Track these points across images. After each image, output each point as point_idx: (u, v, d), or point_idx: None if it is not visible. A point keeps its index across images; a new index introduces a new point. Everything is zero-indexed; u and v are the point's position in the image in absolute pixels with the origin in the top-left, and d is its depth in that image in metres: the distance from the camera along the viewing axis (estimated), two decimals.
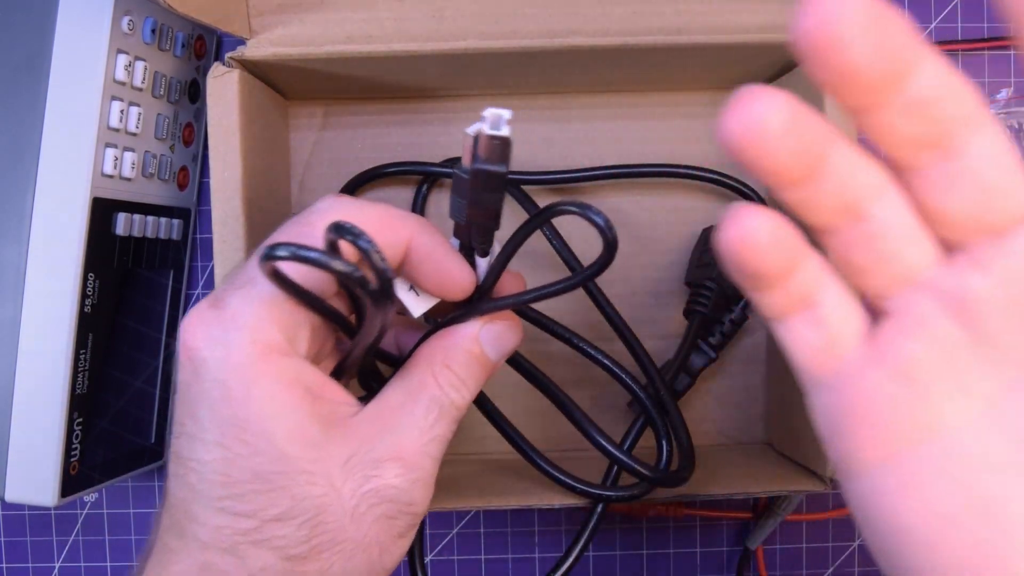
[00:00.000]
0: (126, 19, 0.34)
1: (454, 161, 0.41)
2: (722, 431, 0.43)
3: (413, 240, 0.26)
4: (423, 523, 0.34)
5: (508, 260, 0.27)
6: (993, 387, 0.19)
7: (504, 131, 0.24)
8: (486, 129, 0.24)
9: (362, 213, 0.25)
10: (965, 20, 0.43)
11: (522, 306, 0.29)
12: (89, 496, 0.43)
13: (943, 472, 0.19)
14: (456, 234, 0.28)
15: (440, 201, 0.42)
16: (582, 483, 0.34)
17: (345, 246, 0.22)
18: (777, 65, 0.38)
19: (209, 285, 0.43)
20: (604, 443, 0.33)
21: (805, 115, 0.17)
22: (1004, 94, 0.43)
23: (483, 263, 0.28)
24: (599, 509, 0.34)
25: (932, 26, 0.43)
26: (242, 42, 0.34)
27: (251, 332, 0.23)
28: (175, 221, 0.40)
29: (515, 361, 0.34)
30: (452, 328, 0.28)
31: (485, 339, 0.28)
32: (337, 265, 0.21)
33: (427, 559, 0.44)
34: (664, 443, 0.35)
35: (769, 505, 0.43)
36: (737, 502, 0.44)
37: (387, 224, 0.25)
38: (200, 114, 0.41)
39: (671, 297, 0.42)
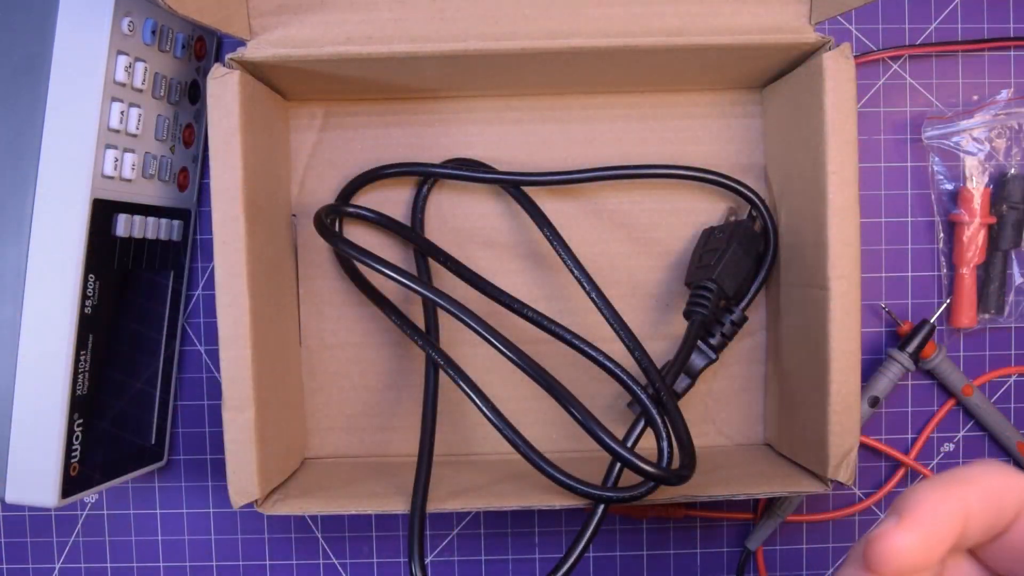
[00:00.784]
0: (126, 20, 0.34)
1: (455, 161, 0.41)
2: (722, 432, 0.43)
3: None
4: (424, 523, 0.34)
5: None
6: None
7: None
8: None
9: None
10: (965, 20, 0.43)
11: None
12: (89, 497, 0.43)
13: None
14: None
15: (440, 202, 0.42)
16: (583, 484, 0.34)
17: None
18: (776, 67, 0.38)
19: (209, 286, 0.43)
20: (608, 440, 0.33)
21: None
22: (1004, 94, 0.43)
23: None
24: (600, 510, 0.34)
25: (932, 26, 0.43)
26: (242, 43, 0.34)
27: None
28: (175, 222, 0.40)
29: (519, 359, 0.34)
30: None
31: None
32: None
33: (427, 560, 0.44)
34: (664, 443, 0.35)
35: (769, 506, 0.43)
36: (737, 503, 0.44)
37: None
38: (200, 115, 0.41)
39: (671, 298, 0.42)
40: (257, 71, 0.36)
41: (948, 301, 0.43)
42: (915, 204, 0.43)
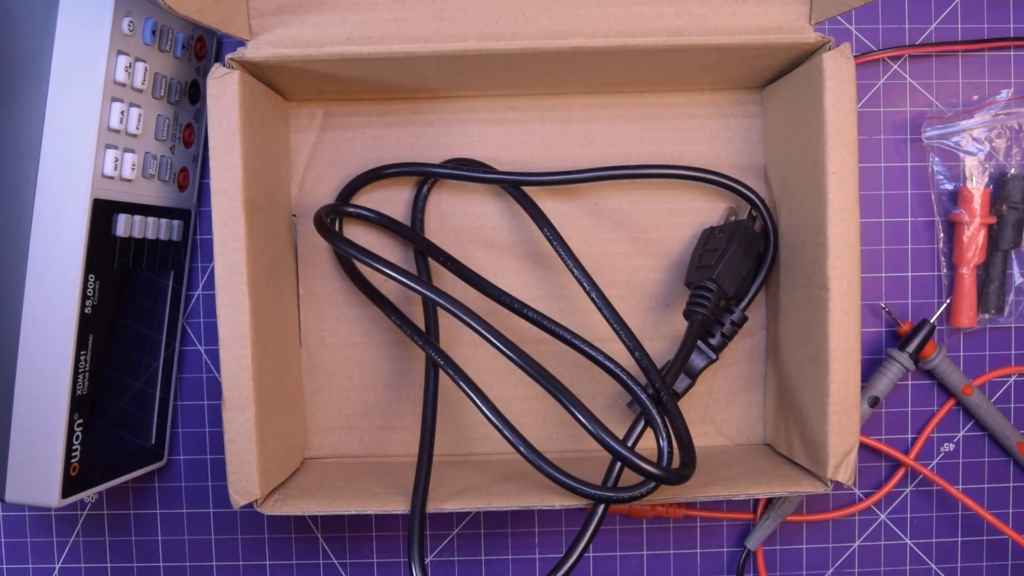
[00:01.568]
0: (126, 20, 0.34)
1: (455, 162, 0.41)
2: (722, 432, 0.43)
3: None
4: (424, 523, 0.34)
5: None
6: None
7: None
8: None
9: None
10: (965, 20, 0.43)
11: None
12: (89, 497, 0.43)
13: None
14: None
15: (440, 202, 0.42)
16: (584, 484, 0.34)
17: None
18: (776, 67, 0.38)
19: (209, 286, 0.43)
20: (608, 440, 0.33)
21: None
22: (1004, 94, 0.43)
23: None
24: (600, 510, 0.34)
25: (932, 26, 0.43)
26: (242, 43, 0.34)
27: None
28: (175, 222, 0.40)
29: (520, 358, 0.34)
30: None
31: None
32: None
33: (427, 560, 0.44)
34: (664, 443, 0.35)
35: (769, 506, 0.43)
36: (737, 503, 0.44)
37: None
38: (200, 115, 0.41)
39: (671, 298, 0.42)
40: (257, 71, 0.36)
41: (948, 301, 0.43)
42: (915, 204, 0.43)
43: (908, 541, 0.45)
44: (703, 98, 0.41)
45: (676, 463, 0.35)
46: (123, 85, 0.34)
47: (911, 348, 0.42)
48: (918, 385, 0.44)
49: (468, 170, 0.40)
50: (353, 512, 0.35)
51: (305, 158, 0.41)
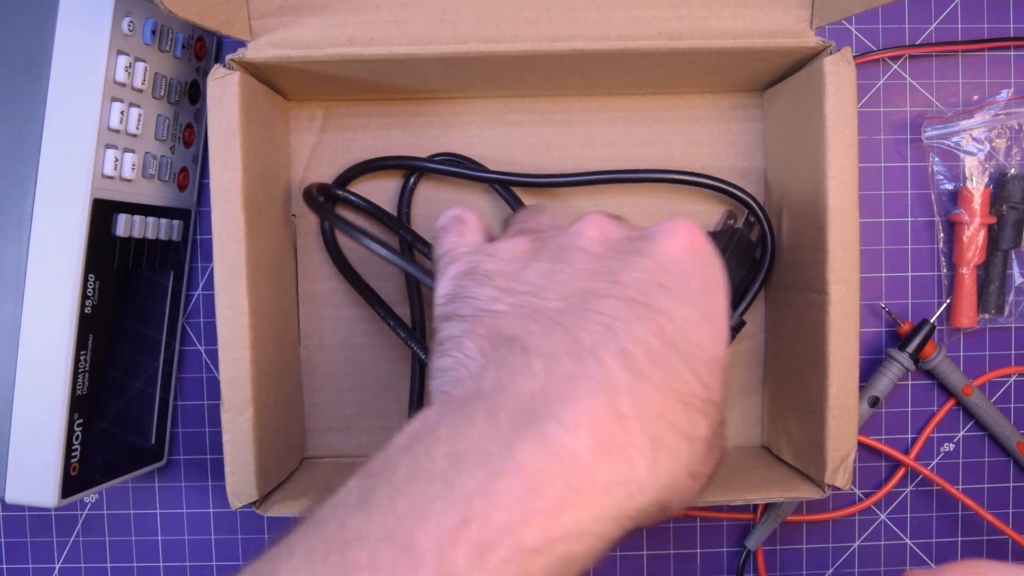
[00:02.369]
0: (126, 20, 0.34)
1: (445, 156, 0.41)
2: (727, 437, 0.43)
3: None
4: None
5: None
6: None
7: None
8: None
9: None
10: (965, 20, 0.43)
11: None
12: (89, 497, 0.43)
13: None
14: None
15: (429, 196, 0.42)
16: None
17: None
18: (777, 71, 0.38)
19: (209, 286, 0.43)
20: None
21: None
22: (1004, 94, 0.43)
23: None
24: None
25: (932, 26, 0.43)
26: (243, 43, 0.34)
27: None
28: (175, 222, 0.40)
29: None
30: None
31: None
32: None
33: None
34: None
35: (769, 506, 0.43)
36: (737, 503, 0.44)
37: None
38: (200, 115, 0.41)
39: None
40: (257, 72, 0.35)
41: (948, 301, 0.43)
42: (915, 204, 0.43)
43: (908, 541, 0.45)
44: (704, 101, 0.41)
45: None
46: (123, 85, 0.34)
47: (911, 348, 0.42)
48: (918, 385, 0.44)
49: (460, 167, 0.40)
50: None
51: (305, 159, 0.41)
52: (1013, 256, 0.43)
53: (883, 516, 0.44)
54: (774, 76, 0.39)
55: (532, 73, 0.37)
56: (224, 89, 0.33)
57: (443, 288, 0.27)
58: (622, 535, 0.22)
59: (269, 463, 0.36)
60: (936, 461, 0.44)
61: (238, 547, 0.44)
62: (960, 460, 0.44)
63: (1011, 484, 0.44)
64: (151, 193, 0.38)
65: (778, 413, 0.41)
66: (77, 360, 0.34)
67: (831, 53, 0.34)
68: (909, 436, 0.44)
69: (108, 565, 0.44)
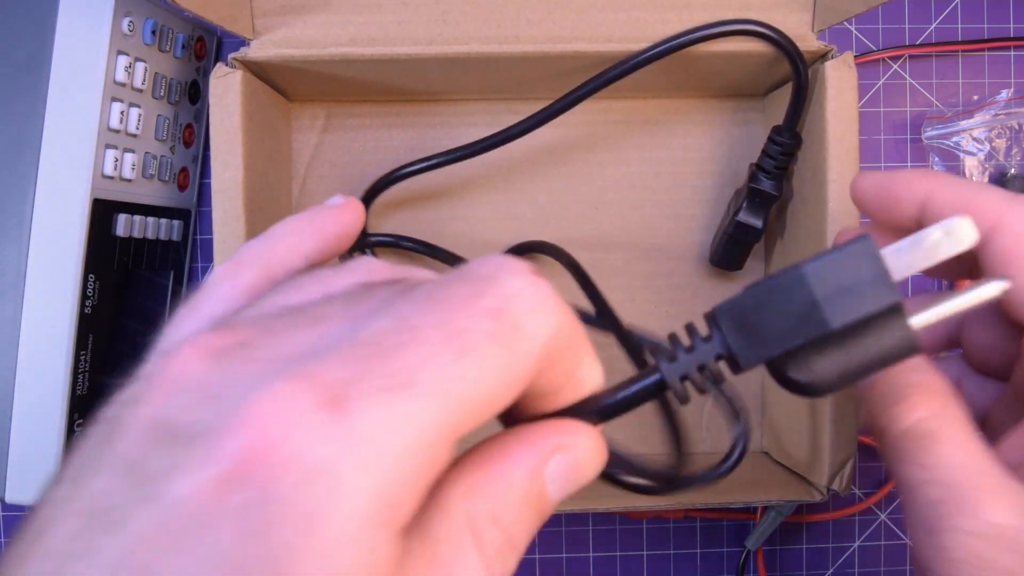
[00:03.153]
0: (126, 20, 0.34)
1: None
2: (719, 439, 0.43)
3: None
4: None
5: None
6: None
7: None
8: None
9: None
10: (965, 20, 0.43)
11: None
12: None
13: None
14: None
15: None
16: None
17: None
18: (779, 74, 0.38)
19: None
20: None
21: None
22: (1004, 94, 0.43)
23: None
24: None
25: (932, 27, 0.43)
26: (243, 44, 0.34)
27: (391, 476, 0.14)
28: (175, 222, 0.40)
29: None
30: (502, 447, 0.17)
31: (555, 473, 0.17)
32: None
33: None
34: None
35: (769, 506, 0.43)
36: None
37: None
38: (200, 115, 0.41)
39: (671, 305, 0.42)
40: (260, 71, 0.35)
41: None
42: None
43: (908, 541, 0.45)
44: (705, 104, 0.41)
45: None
46: (123, 85, 0.34)
47: None
48: None
49: (452, 154, 0.39)
50: None
51: (306, 159, 0.41)
52: None
53: (883, 516, 0.44)
54: (776, 80, 0.39)
55: (533, 75, 0.37)
56: (226, 88, 0.33)
57: None
58: None
59: None
60: None
61: None
62: None
63: None
64: (151, 193, 0.38)
65: (777, 418, 0.41)
66: (77, 360, 0.34)
67: (833, 57, 0.34)
68: None
69: None
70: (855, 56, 0.35)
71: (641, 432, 0.37)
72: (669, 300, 0.42)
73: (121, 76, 0.34)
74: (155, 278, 0.39)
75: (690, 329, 0.20)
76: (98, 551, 0.13)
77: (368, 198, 0.40)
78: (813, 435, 0.35)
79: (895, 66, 0.43)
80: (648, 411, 0.33)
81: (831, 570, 0.45)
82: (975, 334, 0.25)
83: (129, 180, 0.36)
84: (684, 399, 0.19)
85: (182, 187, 0.40)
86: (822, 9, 0.34)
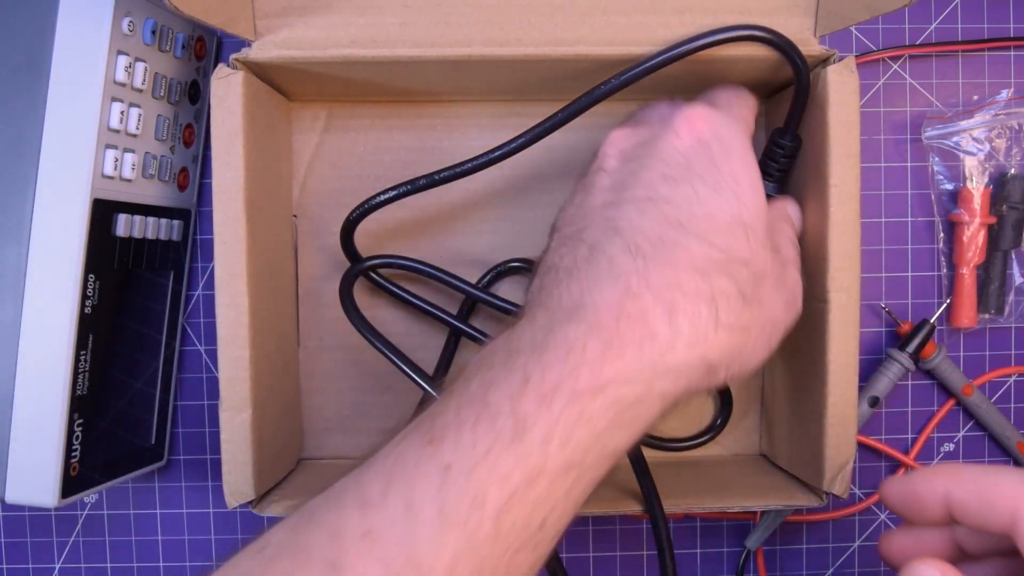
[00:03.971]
0: (126, 20, 0.34)
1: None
2: (718, 442, 0.43)
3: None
4: None
5: None
6: None
7: None
8: None
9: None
10: (965, 20, 0.43)
11: None
12: (89, 497, 0.43)
13: None
14: None
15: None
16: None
17: None
18: (780, 79, 0.38)
19: (209, 286, 0.43)
20: None
21: None
22: (1004, 94, 0.43)
23: None
24: None
25: (932, 27, 0.43)
26: (243, 43, 0.34)
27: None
28: (175, 222, 0.40)
29: None
30: None
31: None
32: None
33: None
34: None
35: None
36: None
37: None
38: (200, 115, 0.41)
39: None
40: (261, 72, 0.35)
41: (948, 301, 0.43)
42: (915, 204, 0.43)
43: None
44: None
45: None
46: (123, 85, 0.34)
47: (911, 348, 0.42)
48: (918, 385, 0.44)
49: (453, 171, 0.37)
50: None
51: (307, 159, 0.41)
52: (1013, 256, 0.43)
53: (883, 516, 0.44)
54: (777, 84, 0.39)
55: (535, 77, 0.37)
56: (228, 88, 0.33)
57: None
58: (679, 391, 0.26)
59: (267, 463, 0.36)
60: (936, 461, 0.44)
61: (238, 547, 0.44)
62: (960, 460, 0.44)
63: None
64: (151, 193, 0.38)
65: (776, 420, 0.41)
66: (77, 360, 0.34)
67: (835, 62, 0.34)
68: (909, 436, 0.44)
69: (108, 565, 0.44)
70: (855, 56, 0.35)
71: None
72: None
73: (121, 76, 0.34)
74: (155, 278, 0.39)
75: None
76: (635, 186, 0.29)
77: (352, 224, 0.38)
78: (812, 438, 0.35)
79: (895, 66, 0.43)
80: None
81: (831, 570, 0.45)
82: None
83: (129, 180, 0.36)
84: None
85: (182, 187, 0.40)
86: (825, 15, 0.34)
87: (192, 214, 0.42)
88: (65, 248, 0.33)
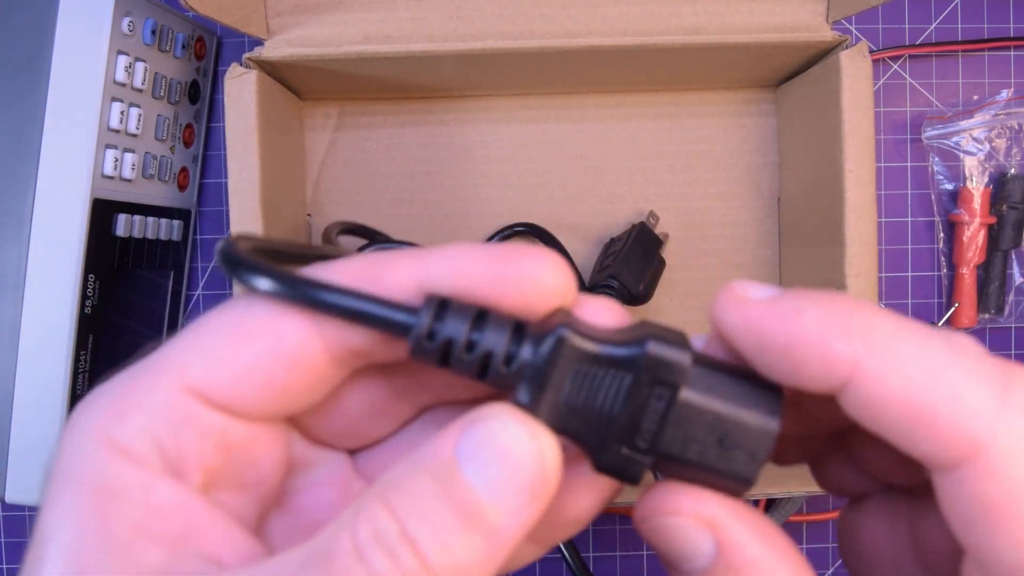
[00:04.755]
0: (126, 20, 0.34)
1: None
2: None
3: None
4: None
5: None
6: None
7: None
8: None
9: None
10: (965, 20, 0.43)
11: None
12: None
13: None
14: None
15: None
16: None
17: None
18: (792, 65, 0.38)
19: (209, 286, 0.43)
20: None
21: None
22: (1004, 94, 0.43)
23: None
24: None
25: (932, 26, 0.43)
26: (244, 44, 0.34)
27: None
28: (175, 222, 0.40)
29: None
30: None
31: (466, 451, 0.14)
32: None
33: None
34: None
35: (770, 506, 0.43)
36: None
37: None
38: (200, 115, 0.41)
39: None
40: (273, 71, 0.35)
41: (948, 302, 0.43)
42: (915, 204, 0.43)
43: None
44: (718, 96, 0.41)
45: None
46: (123, 85, 0.34)
47: None
48: None
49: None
50: None
51: (320, 157, 0.41)
52: (1013, 256, 0.43)
53: None
54: (789, 71, 0.39)
55: (548, 69, 0.37)
56: (242, 88, 0.33)
57: None
58: None
59: None
60: None
61: None
62: None
63: None
64: (151, 193, 0.38)
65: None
66: (77, 360, 0.34)
67: (847, 47, 0.34)
68: None
69: None
70: None
71: None
72: (683, 293, 0.42)
73: (121, 76, 0.34)
74: (155, 278, 0.39)
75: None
76: None
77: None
78: None
79: (895, 66, 0.43)
80: None
81: (831, 570, 0.45)
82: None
83: (129, 180, 0.36)
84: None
85: (182, 187, 0.40)
86: (836, 0, 0.34)
87: (192, 214, 0.42)
88: (65, 248, 0.33)
